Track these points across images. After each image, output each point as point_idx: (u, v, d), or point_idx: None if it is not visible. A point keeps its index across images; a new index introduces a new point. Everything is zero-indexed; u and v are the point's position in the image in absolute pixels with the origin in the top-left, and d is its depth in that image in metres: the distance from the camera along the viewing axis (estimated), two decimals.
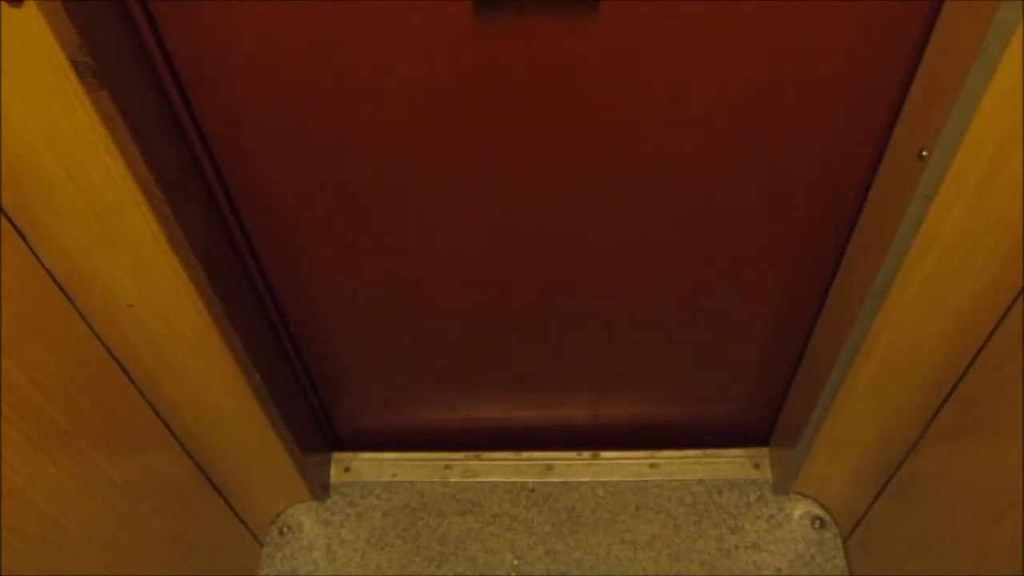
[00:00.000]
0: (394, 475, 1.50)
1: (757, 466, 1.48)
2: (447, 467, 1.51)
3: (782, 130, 0.91)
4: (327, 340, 1.28)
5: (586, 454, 1.50)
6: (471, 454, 1.51)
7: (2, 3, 0.66)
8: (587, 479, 1.48)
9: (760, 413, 1.42)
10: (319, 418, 1.45)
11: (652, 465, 1.49)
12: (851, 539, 1.39)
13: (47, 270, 0.86)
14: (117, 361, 0.99)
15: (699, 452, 1.49)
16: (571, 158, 0.96)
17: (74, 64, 0.71)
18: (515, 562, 1.41)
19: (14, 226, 0.81)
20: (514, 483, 1.49)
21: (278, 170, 0.97)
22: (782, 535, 1.41)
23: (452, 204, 1.02)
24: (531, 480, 1.49)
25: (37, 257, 0.84)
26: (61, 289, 0.88)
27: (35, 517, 0.84)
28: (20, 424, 0.80)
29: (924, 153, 0.79)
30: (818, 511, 1.44)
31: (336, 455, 1.53)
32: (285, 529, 1.46)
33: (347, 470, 1.51)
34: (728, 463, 1.48)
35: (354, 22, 0.80)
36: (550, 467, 1.49)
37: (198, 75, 0.85)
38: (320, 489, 1.46)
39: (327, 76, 0.85)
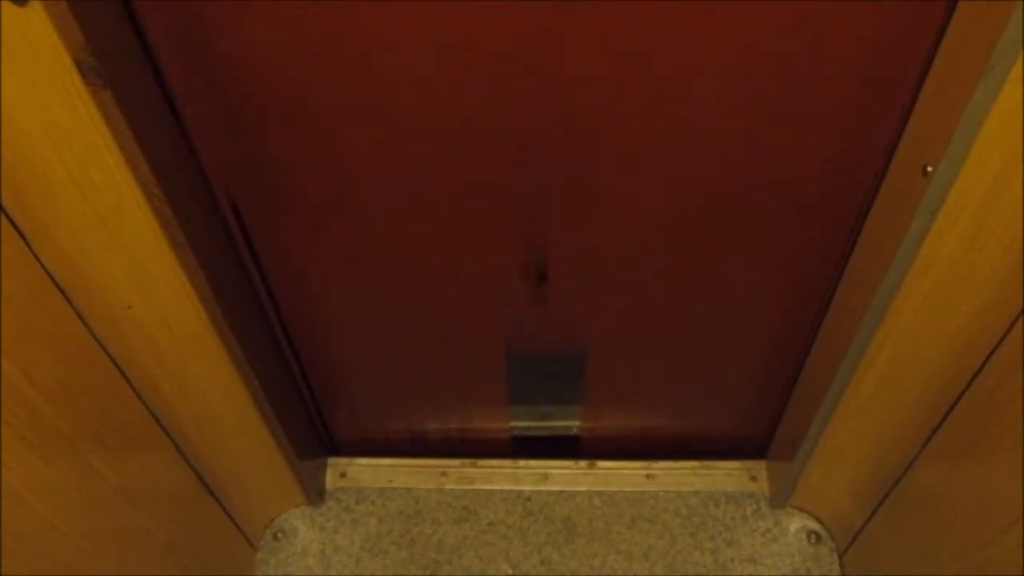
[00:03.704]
0: (390, 481, 1.50)
1: (754, 479, 1.47)
2: (443, 474, 1.50)
3: (785, 141, 0.91)
4: (325, 345, 1.27)
5: (583, 463, 1.50)
6: (467, 461, 1.51)
7: (6, 1, 0.66)
8: (583, 488, 1.48)
9: (758, 426, 1.42)
10: (315, 423, 1.45)
11: (649, 476, 1.48)
12: (847, 554, 1.39)
13: (47, 271, 0.85)
14: (115, 364, 0.99)
15: (696, 464, 1.49)
16: (570, 170, 0.96)
17: (78, 64, 0.70)
18: (510, 571, 1.40)
19: (14, 226, 0.80)
20: (510, 491, 1.48)
21: (280, 172, 0.96)
22: (778, 549, 1.41)
23: (451, 211, 1.02)
24: (527, 488, 1.48)
25: (37, 257, 0.84)
26: (60, 290, 0.88)
27: (30, 520, 0.83)
28: (17, 425, 0.80)
29: (929, 169, 0.79)
30: (814, 525, 1.43)
31: (332, 460, 1.52)
32: (280, 534, 1.46)
33: (343, 475, 1.51)
34: (725, 475, 1.48)
35: (357, 23, 0.80)
36: (546, 476, 1.49)
37: (201, 76, 0.85)
38: (315, 494, 1.46)
39: (330, 76, 0.85)
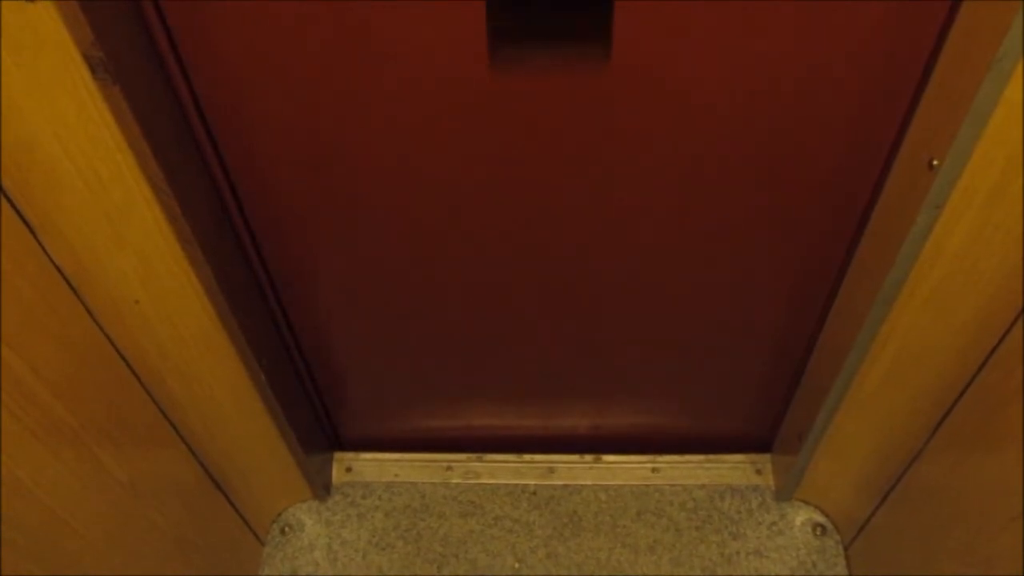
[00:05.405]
0: (396, 476, 1.50)
1: (759, 472, 1.47)
2: (449, 468, 1.50)
3: (791, 137, 0.91)
4: (331, 341, 1.27)
5: (588, 457, 1.50)
6: (473, 456, 1.51)
7: None
8: (589, 482, 1.48)
9: (763, 419, 1.42)
10: (321, 418, 1.45)
11: (654, 469, 1.48)
12: (853, 547, 1.39)
13: (55, 265, 0.85)
14: (123, 358, 0.99)
15: (701, 457, 1.49)
16: (577, 170, 0.96)
17: (87, 59, 0.70)
18: (516, 565, 1.40)
19: (23, 220, 0.80)
20: (516, 485, 1.48)
21: (286, 171, 0.96)
22: (784, 542, 1.41)
23: (458, 211, 1.02)
24: (532, 483, 1.49)
25: (45, 251, 0.84)
26: (69, 284, 0.88)
27: (38, 513, 0.84)
28: (25, 419, 0.80)
29: (935, 163, 0.79)
30: (820, 518, 1.43)
31: (338, 455, 1.53)
32: (287, 528, 1.46)
33: (349, 470, 1.51)
34: (730, 469, 1.48)
35: (367, 28, 0.80)
36: (552, 470, 1.49)
37: (209, 73, 0.85)
38: (322, 489, 1.46)
39: (338, 78, 0.85)
